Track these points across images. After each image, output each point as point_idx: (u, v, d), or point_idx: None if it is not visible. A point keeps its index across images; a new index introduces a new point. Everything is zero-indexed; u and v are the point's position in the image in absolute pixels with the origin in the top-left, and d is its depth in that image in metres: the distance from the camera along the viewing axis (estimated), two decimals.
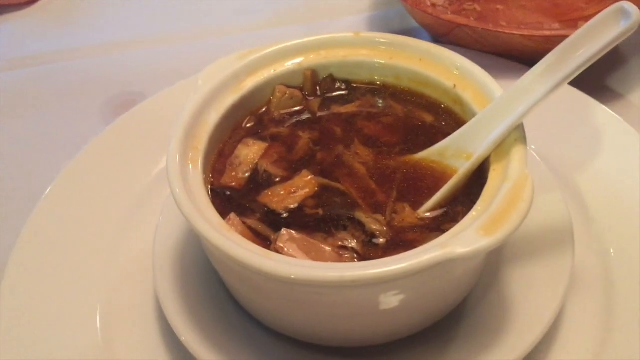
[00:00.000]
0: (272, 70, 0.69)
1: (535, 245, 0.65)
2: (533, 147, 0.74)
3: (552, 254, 0.64)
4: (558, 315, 0.60)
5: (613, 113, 0.78)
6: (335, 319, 0.56)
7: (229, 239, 0.52)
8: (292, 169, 0.63)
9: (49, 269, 0.69)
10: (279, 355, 0.60)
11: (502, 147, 0.57)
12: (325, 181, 0.62)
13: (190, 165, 0.59)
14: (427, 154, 0.63)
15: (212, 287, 0.64)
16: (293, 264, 0.51)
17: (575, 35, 0.55)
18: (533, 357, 0.59)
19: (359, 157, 0.64)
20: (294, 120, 0.68)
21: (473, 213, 0.54)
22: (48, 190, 0.77)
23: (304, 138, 0.66)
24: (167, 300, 0.62)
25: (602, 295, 0.65)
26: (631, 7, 0.52)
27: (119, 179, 0.78)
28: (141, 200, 0.75)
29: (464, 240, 0.50)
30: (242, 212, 0.59)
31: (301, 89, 0.70)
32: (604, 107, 0.79)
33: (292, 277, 0.49)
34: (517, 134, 0.57)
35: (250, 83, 0.67)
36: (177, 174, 0.57)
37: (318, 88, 0.70)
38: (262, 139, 0.66)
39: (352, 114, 0.69)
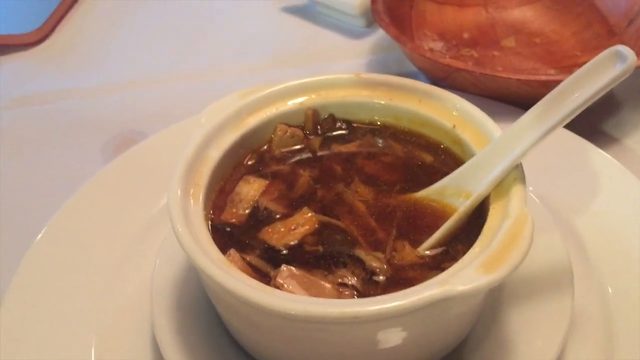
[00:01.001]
0: (274, 109, 0.70)
1: (534, 285, 0.65)
2: (531, 188, 0.74)
3: (552, 294, 0.64)
4: (559, 357, 0.60)
5: (609, 156, 0.79)
6: (333, 356, 0.55)
7: (228, 274, 0.52)
8: (293, 206, 0.64)
9: (45, 307, 0.69)
10: None
11: (501, 186, 0.58)
12: (326, 218, 0.62)
13: (192, 201, 0.59)
14: (427, 193, 0.63)
15: (210, 325, 0.63)
16: (293, 299, 0.51)
17: (571, 78, 0.57)
18: None
19: (359, 195, 0.64)
20: (294, 159, 0.69)
21: (473, 251, 0.54)
22: (45, 228, 0.76)
23: (305, 176, 0.67)
24: (163, 336, 0.62)
25: (602, 335, 0.64)
26: (627, 50, 0.53)
27: (117, 216, 0.78)
28: (140, 238, 0.75)
29: (464, 277, 0.50)
30: (241, 248, 0.59)
31: (302, 128, 0.71)
32: (600, 150, 0.80)
33: (292, 312, 0.49)
34: (516, 173, 0.57)
35: (252, 121, 0.68)
36: (178, 209, 0.57)
37: (319, 127, 0.71)
38: (263, 176, 0.67)
39: (353, 153, 0.69)
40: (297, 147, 0.70)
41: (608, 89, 0.54)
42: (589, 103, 0.55)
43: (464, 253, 0.55)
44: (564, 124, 0.56)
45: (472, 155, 0.63)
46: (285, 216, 0.63)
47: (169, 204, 0.57)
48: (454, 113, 0.66)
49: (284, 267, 0.56)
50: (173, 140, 0.76)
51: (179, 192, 0.58)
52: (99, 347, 0.65)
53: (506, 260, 0.50)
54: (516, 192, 0.56)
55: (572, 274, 0.64)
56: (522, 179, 0.57)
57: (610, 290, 0.68)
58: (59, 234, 0.76)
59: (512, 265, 0.50)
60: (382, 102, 0.70)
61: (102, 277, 0.72)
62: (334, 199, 0.64)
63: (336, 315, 0.49)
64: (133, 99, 1.09)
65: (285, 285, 0.55)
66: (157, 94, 1.09)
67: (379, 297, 0.51)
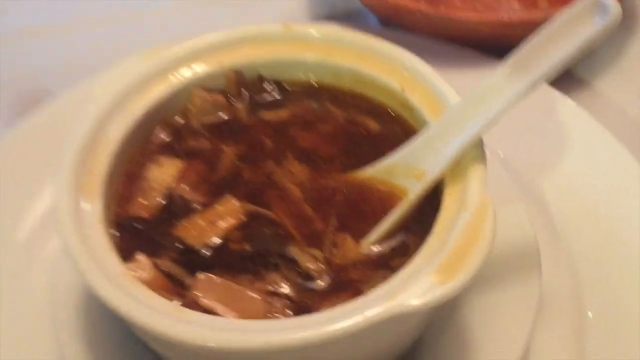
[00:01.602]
0: (188, 72, 0.58)
1: (497, 268, 0.57)
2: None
3: (516, 279, 0.56)
4: (526, 349, 0.53)
5: (578, 107, 0.70)
6: None
7: (130, 296, 0.42)
8: (215, 193, 0.53)
9: None
10: None
11: (458, 166, 0.48)
12: (253, 207, 0.52)
13: (85, 198, 0.48)
14: (372, 171, 0.53)
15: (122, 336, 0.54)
16: (209, 326, 0.41)
17: (542, 35, 0.47)
18: None
19: (293, 176, 0.54)
20: (216, 131, 0.58)
21: (427, 247, 0.45)
22: None
23: (228, 153, 0.56)
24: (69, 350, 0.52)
25: (572, 320, 0.57)
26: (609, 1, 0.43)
27: (15, 199, 0.66)
28: (40, 226, 0.64)
29: (416, 288, 0.41)
30: (153, 250, 0.49)
31: (224, 94, 0.59)
32: (569, 99, 0.71)
33: (207, 344, 0.40)
34: (476, 151, 0.48)
35: (160, 88, 0.56)
36: (66, 212, 0.46)
37: (244, 91, 0.60)
38: (178, 155, 0.56)
39: (285, 122, 0.59)
40: (219, 116, 0.59)
41: (586, 48, 0.45)
42: (558, 69, 0.45)
43: (415, 249, 0.46)
44: (529, 93, 0.47)
45: (423, 123, 0.53)
46: (205, 206, 0.52)
47: (55, 206, 0.46)
48: (403, 73, 0.56)
49: (201, 276, 0.47)
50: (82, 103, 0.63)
51: (67, 188, 0.48)
52: None
53: (464, 265, 0.42)
54: (475, 174, 0.47)
55: (538, 253, 0.57)
56: (483, 157, 0.48)
57: (580, 267, 0.60)
58: None
59: (471, 272, 0.42)
60: (318, 59, 0.59)
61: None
62: (263, 181, 0.54)
63: (260, 346, 0.40)
64: (40, 49, 0.94)
65: (203, 300, 0.46)
66: (66, 42, 0.94)
67: (313, 318, 0.42)
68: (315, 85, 0.60)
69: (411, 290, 0.41)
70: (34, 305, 0.58)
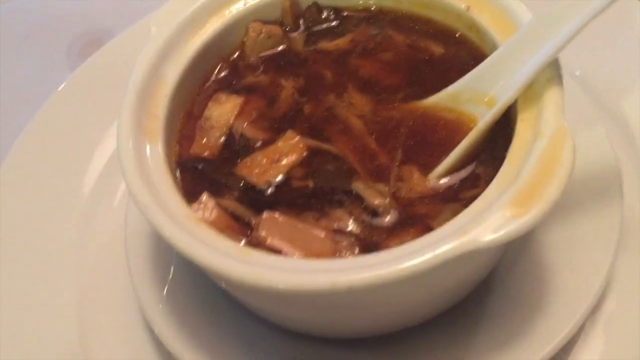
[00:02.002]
0: (242, 4, 0.56)
1: (576, 196, 0.54)
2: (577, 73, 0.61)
3: (597, 206, 0.53)
4: (607, 280, 0.50)
5: None
6: (335, 318, 0.47)
7: (195, 238, 0.42)
8: (275, 129, 0.52)
9: (13, 256, 0.61)
10: (284, 351, 0.52)
11: (532, 90, 0.45)
12: (315, 143, 0.50)
13: (147, 141, 0.48)
14: (438, 99, 0.51)
15: (195, 277, 0.55)
16: (274, 267, 0.41)
17: None
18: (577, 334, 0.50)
19: (355, 108, 0.52)
20: (274, 65, 0.56)
21: (499, 179, 0.43)
22: (11, 152, 0.66)
23: (288, 88, 0.54)
24: (144, 293, 0.54)
25: None
26: None
27: (82, 143, 0.67)
28: (108, 168, 0.65)
29: (489, 222, 0.39)
30: (217, 190, 0.49)
31: (280, 24, 0.57)
32: None
33: (273, 286, 0.40)
34: (552, 72, 0.44)
35: (215, 23, 0.55)
36: (130, 157, 0.46)
37: (301, 21, 0.57)
38: (237, 92, 0.55)
39: (344, 52, 0.56)
40: (277, 49, 0.57)
41: None
42: None
43: (488, 180, 0.44)
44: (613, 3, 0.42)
45: (493, 45, 0.49)
46: (266, 143, 0.51)
47: (119, 152, 0.46)
48: None
49: (265, 215, 0.46)
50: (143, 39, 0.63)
51: (129, 133, 0.47)
52: (79, 309, 0.58)
53: (541, 196, 0.39)
54: (551, 98, 0.44)
55: (620, 179, 0.53)
56: (559, 79, 0.44)
57: None
58: (24, 159, 0.67)
59: (548, 204, 0.39)
60: None
61: (72, 223, 0.62)
62: (325, 115, 0.52)
63: (327, 288, 0.39)
64: None
65: (269, 240, 0.45)
66: None
67: (380, 255, 0.41)
68: (374, 9, 0.57)
69: (484, 225, 0.39)
70: (105, 249, 0.60)
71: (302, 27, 0.57)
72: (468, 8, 0.51)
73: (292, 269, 0.41)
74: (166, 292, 0.54)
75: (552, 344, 0.47)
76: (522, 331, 0.49)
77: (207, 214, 0.47)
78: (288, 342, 0.52)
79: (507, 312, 0.50)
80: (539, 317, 0.49)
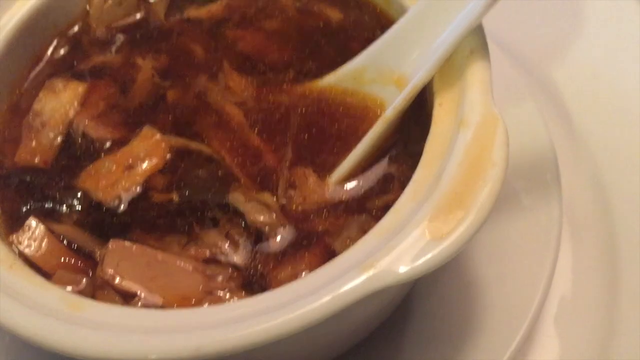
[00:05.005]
0: None
1: (504, 188, 0.45)
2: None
3: (531, 201, 0.44)
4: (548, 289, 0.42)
5: None
6: None
7: (4, 291, 0.30)
8: (129, 125, 0.40)
9: None
10: None
11: (451, 65, 0.35)
12: (182, 141, 0.39)
13: None
14: (337, 79, 0.40)
15: None
16: (116, 326, 0.29)
17: None
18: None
19: (233, 93, 0.41)
20: (128, 39, 0.44)
21: (415, 185, 0.33)
22: None
23: (146, 69, 0.42)
24: None
25: (601, 244, 0.46)
26: None
27: None
28: None
29: (404, 248, 0.30)
30: (50, 211, 0.37)
31: None
32: None
33: (110, 357, 0.28)
34: (474, 41, 0.35)
35: None
36: None
37: None
38: (79, 76, 0.42)
39: (218, 20, 0.44)
40: (131, 18, 0.44)
41: None
42: None
43: (402, 182, 0.34)
44: None
45: (402, 10, 0.39)
46: (117, 144, 0.39)
47: None
48: None
49: (112, 245, 0.34)
50: None
51: None
52: None
53: (468, 208, 0.30)
54: (475, 75, 0.34)
55: (557, 166, 0.44)
56: (484, 51, 0.35)
57: (605, 175, 0.48)
58: None
59: (478, 220, 0.30)
60: None
61: None
62: (194, 104, 0.41)
63: (189, 355, 0.28)
64: None
65: (117, 279, 0.33)
66: None
67: (263, 299, 0.30)
68: None
69: (398, 250, 0.30)
70: None
71: None
72: None
73: (142, 329, 0.29)
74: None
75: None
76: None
77: (33, 247, 0.35)
78: None
79: (431, 336, 0.41)
80: (468, 342, 0.40)
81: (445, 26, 0.35)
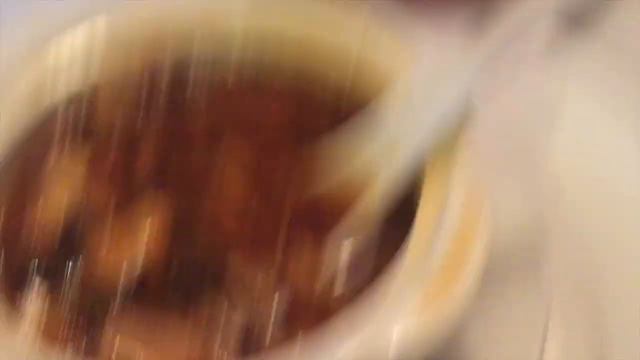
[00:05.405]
0: None
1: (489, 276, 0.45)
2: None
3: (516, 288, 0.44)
4: None
5: None
6: None
7: None
8: (130, 191, 0.41)
9: None
10: None
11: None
12: (182, 206, 0.39)
13: None
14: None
15: None
16: None
17: None
18: None
19: (233, 156, 0.42)
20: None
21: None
22: None
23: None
24: None
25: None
26: None
27: None
28: None
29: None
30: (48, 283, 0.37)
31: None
32: None
33: None
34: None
35: None
36: None
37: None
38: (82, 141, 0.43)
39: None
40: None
41: None
42: None
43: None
44: None
45: None
46: (117, 211, 0.39)
47: None
48: None
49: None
50: None
51: None
52: None
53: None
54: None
55: (546, 247, 0.44)
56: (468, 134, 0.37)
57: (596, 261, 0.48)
58: None
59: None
60: None
61: None
62: (195, 167, 0.42)
63: None
64: None
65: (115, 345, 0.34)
66: None
67: None
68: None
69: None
70: None
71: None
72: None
73: None
74: None
75: None
76: None
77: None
78: None
79: None
80: None
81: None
